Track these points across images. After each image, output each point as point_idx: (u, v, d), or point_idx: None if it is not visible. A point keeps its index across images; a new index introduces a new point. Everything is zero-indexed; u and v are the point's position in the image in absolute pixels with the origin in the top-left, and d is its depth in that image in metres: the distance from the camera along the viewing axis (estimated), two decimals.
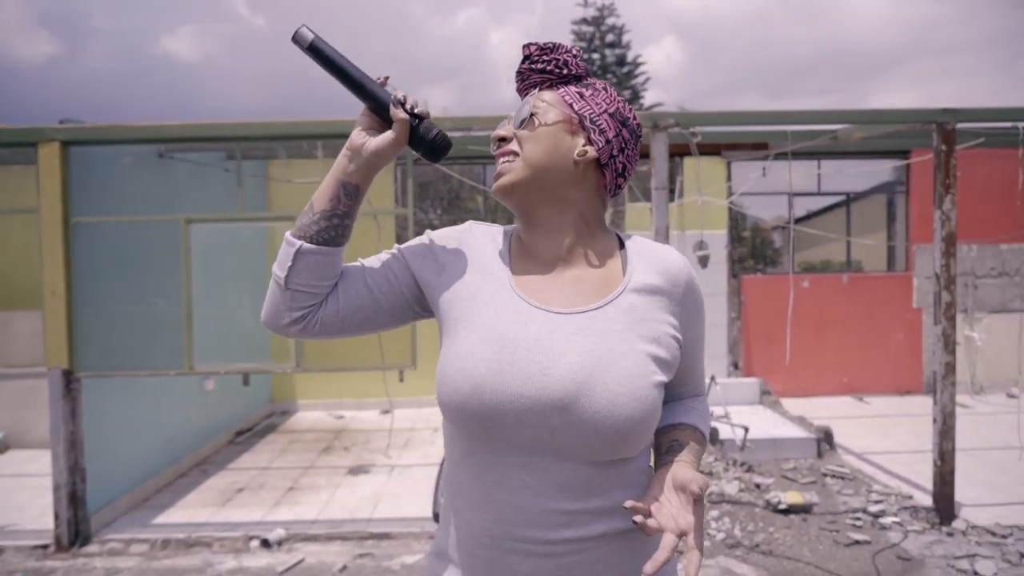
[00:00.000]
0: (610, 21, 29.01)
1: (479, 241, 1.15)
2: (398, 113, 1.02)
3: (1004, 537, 3.74)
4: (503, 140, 1.11)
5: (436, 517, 3.89)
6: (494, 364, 0.99)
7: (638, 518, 0.92)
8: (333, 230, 1.06)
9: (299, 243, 1.05)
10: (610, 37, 28.99)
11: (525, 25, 70.50)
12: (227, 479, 4.99)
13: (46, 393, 3.91)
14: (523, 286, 1.08)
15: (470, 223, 1.20)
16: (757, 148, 6.30)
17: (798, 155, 5.89)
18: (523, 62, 1.14)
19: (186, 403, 5.29)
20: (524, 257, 1.12)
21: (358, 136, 1.05)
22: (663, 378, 1.03)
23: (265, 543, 3.84)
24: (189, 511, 4.36)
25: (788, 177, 5.41)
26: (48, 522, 3.96)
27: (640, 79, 28.80)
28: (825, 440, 5.25)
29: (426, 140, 1.06)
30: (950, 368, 3.90)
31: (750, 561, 3.55)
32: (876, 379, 7.10)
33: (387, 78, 1.06)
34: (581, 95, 1.11)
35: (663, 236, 3.88)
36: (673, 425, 1.13)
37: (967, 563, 3.47)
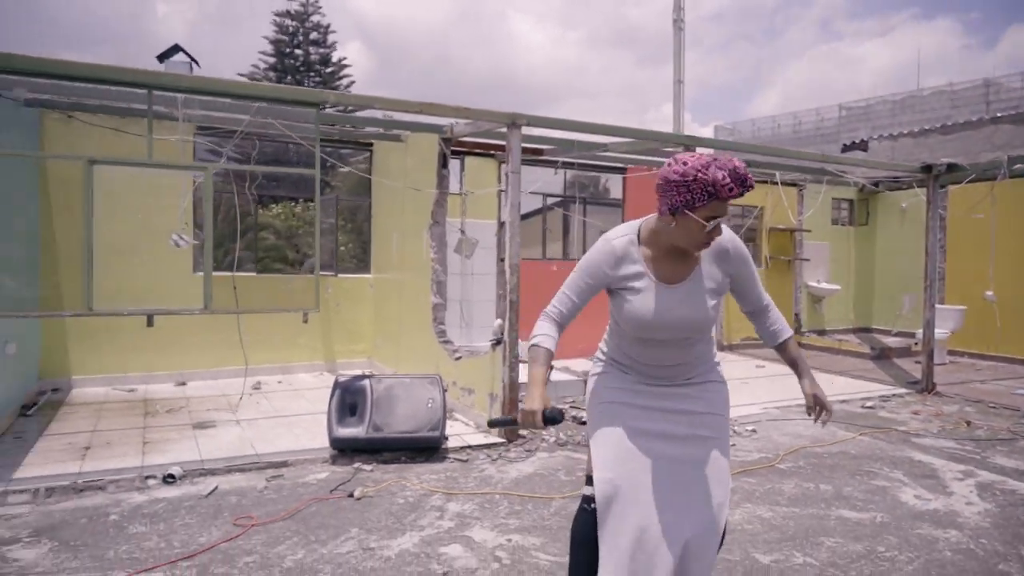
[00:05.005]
0: (315, 19, 29.04)
1: (622, 252, 2.11)
2: (539, 423, 2.03)
3: None
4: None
5: (334, 443, 4.40)
6: (651, 313, 2.07)
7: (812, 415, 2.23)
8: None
9: None
10: (315, 35, 28.98)
11: (200, 2, 64.72)
12: (60, 442, 4.68)
13: None
14: (654, 270, 2.10)
15: (606, 239, 2.14)
16: (534, 153, 7.71)
17: (555, 162, 7.48)
18: (736, 191, 1.92)
19: None
20: (651, 246, 2.11)
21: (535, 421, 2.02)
22: (717, 302, 2.12)
23: (169, 478, 3.95)
24: (44, 468, 4.12)
25: (564, 179, 6.88)
26: None
27: (345, 81, 29.38)
28: None
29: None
30: None
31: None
32: None
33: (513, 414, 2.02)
34: None
35: (516, 209, 4.97)
36: (781, 345, 2.29)
37: None
